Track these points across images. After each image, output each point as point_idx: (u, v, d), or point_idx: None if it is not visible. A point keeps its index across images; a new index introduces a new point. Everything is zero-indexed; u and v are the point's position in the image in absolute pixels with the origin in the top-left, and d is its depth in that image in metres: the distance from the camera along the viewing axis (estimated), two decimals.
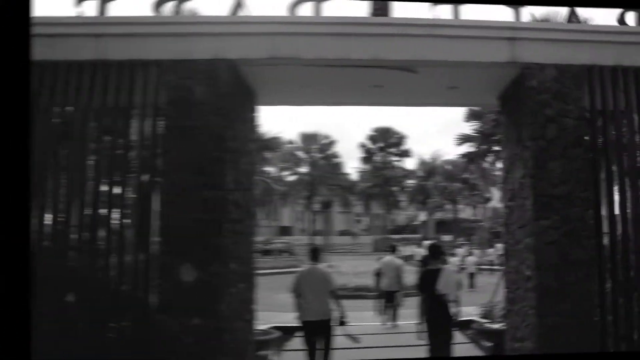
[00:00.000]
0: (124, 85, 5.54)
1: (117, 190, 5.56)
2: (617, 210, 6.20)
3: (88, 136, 5.53)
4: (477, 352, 7.60)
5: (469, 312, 10.23)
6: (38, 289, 5.09)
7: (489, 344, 7.59)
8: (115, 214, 5.54)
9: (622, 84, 6.13)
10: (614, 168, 6.28)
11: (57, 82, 5.49)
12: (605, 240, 6.15)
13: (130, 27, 5.49)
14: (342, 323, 6.01)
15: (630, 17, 6.21)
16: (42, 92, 5.44)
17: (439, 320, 5.76)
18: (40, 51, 5.28)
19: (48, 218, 5.40)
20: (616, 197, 6.25)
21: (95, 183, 5.52)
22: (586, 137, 6.01)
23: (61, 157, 5.54)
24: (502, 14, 10.11)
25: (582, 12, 8.14)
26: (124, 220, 5.57)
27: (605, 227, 6.17)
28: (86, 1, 5.55)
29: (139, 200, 5.52)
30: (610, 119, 6.17)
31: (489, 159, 14.78)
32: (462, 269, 22.12)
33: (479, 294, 16.55)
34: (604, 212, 6.26)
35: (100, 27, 5.47)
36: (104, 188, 5.53)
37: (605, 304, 5.92)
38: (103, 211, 5.51)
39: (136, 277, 5.45)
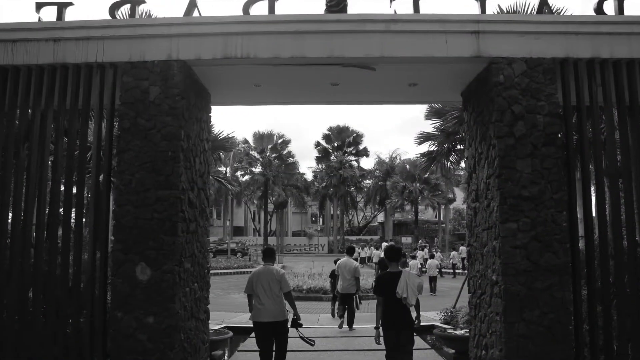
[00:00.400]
0: (82, 87, 5.71)
1: (74, 190, 5.72)
2: (594, 213, 5.86)
3: (47, 137, 5.72)
4: (438, 359, 7.34)
5: (430, 317, 10.20)
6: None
7: (451, 351, 7.32)
8: (73, 213, 5.71)
9: (599, 77, 5.80)
10: (591, 167, 5.94)
11: (19, 86, 5.72)
12: (581, 245, 5.84)
13: (86, 30, 5.66)
14: (296, 325, 5.94)
15: (609, 6, 5.85)
16: (4, 95, 5.69)
17: (398, 324, 5.57)
18: (1, 56, 5.55)
19: (10, 216, 5.64)
20: (593, 199, 5.91)
21: (54, 183, 5.70)
22: (559, 135, 5.69)
23: (22, 158, 5.74)
24: (466, 6, 9.82)
25: (556, 1, 7.75)
26: (81, 219, 5.72)
27: (580, 231, 5.86)
28: (45, 7, 5.76)
29: (95, 199, 5.65)
30: (586, 114, 5.83)
31: (452, 158, 14.16)
32: (423, 272, 21.49)
33: (441, 298, 16.11)
34: (579, 214, 5.94)
35: (59, 31, 5.66)
36: (62, 188, 5.71)
37: (580, 312, 5.60)
38: (61, 210, 5.69)
39: (93, 274, 5.59)
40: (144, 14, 9.63)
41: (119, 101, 5.67)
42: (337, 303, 10.94)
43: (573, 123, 5.87)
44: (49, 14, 5.78)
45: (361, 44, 5.67)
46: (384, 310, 5.61)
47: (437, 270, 21.50)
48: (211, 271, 7.08)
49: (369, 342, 6.55)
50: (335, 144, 50.88)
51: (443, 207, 48.92)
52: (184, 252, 5.69)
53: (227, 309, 13.02)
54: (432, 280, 19.70)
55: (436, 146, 13.95)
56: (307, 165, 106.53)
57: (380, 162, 51.88)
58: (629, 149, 5.74)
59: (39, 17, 5.82)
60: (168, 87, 5.59)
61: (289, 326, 5.93)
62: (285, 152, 48.19)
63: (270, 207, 50.71)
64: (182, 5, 5.74)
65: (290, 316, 5.97)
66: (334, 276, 11.53)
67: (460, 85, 6.66)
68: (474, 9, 5.85)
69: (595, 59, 5.75)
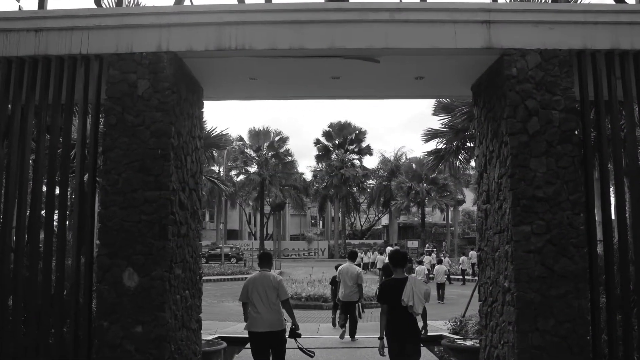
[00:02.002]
0: (65, 80, 5.60)
1: (57, 190, 5.60)
2: (613, 215, 5.70)
3: (29, 134, 5.59)
4: None
5: (437, 326, 10.07)
6: None
7: None
8: (56, 215, 5.59)
9: (619, 69, 5.65)
10: (610, 166, 5.78)
11: None
12: (600, 249, 5.68)
13: (70, 20, 5.61)
14: (294, 335, 5.83)
15: None
16: None
17: (403, 335, 5.43)
18: None
19: None
20: (612, 200, 5.74)
21: (35, 183, 5.57)
22: (576, 132, 5.54)
23: (1, 156, 5.62)
24: None
25: None
26: (64, 222, 5.59)
27: (599, 234, 5.70)
28: None
29: (79, 200, 5.53)
30: (605, 110, 5.67)
31: (461, 156, 14.01)
32: (430, 278, 21.33)
33: (450, 306, 15.97)
34: (597, 216, 5.78)
35: (40, 21, 5.61)
36: (44, 188, 5.58)
37: (598, 321, 5.47)
38: (43, 212, 5.56)
39: (77, 281, 5.49)
40: (131, 2, 9.55)
41: (105, 95, 5.58)
42: (338, 312, 10.86)
43: (591, 119, 5.78)
44: (30, 3, 5.65)
45: (364, 34, 5.59)
46: (388, 319, 5.53)
47: (446, 276, 21.41)
48: (204, 277, 6.97)
49: (372, 354, 6.47)
50: (337, 142, 50.63)
51: (452, 209, 48.67)
52: (175, 257, 5.61)
53: (221, 318, 13.00)
54: (440, 287, 19.59)
55: (444, 144, 13.78)
56: (306, 164, 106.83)
57: (384, 161, 51.65)
58: None
59: (20, 6, 5.81)
60: (157, 81, 5.53)
61: (287, 336, 5.83)
62: (282, 150, 47.88)
63: (267, 209, 50.51)
64: None
65: (288, 326, 5.87)
66: (335, 283, 11.46)
67: (470, 79, 6.58)
68: None
69: (614, 51, 5.68)
